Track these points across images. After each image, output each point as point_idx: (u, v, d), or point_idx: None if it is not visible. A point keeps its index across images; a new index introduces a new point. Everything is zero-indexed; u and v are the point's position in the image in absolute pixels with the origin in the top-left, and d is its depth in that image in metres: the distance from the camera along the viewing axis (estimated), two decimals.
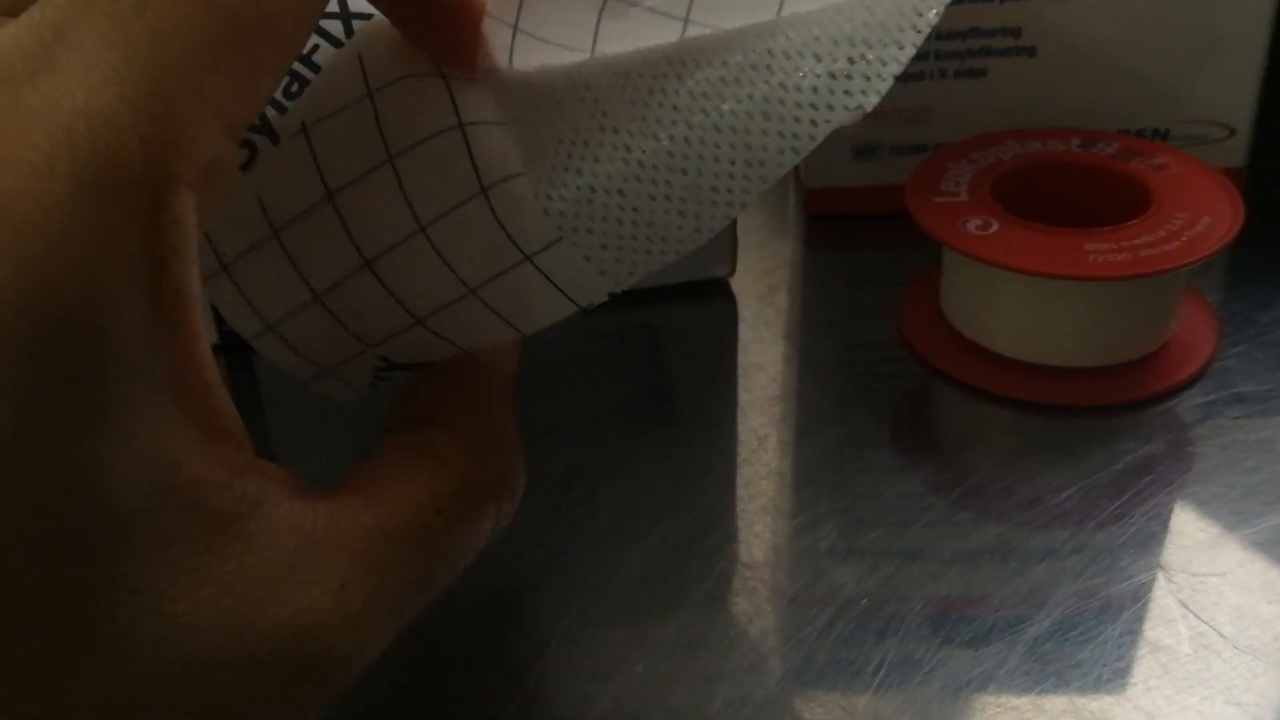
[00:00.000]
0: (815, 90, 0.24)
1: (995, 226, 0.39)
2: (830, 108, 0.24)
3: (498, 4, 0.26)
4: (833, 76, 0.24)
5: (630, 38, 0.26)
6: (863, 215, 0.48)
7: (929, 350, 0.41)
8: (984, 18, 0.45)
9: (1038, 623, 0.31)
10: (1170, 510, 0.34)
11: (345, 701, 0.23)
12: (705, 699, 0.29)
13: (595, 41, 0.26)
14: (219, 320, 0.42)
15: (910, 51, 0.24)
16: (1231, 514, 0.34)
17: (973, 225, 0.39)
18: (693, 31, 0.25)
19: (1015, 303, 0.39)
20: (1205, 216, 0.38)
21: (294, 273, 0.27)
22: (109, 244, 0.18)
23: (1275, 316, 0.42)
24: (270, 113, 0.27)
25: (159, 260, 0.19)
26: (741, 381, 0.41)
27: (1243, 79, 0.46)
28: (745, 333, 0.43)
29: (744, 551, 0.34)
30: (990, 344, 0.40)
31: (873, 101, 0.24)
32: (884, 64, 0.24)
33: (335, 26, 0.27)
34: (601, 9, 0.25)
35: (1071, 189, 0.42)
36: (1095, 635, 0.30)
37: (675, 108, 0.25)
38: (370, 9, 0.27)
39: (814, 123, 0.24)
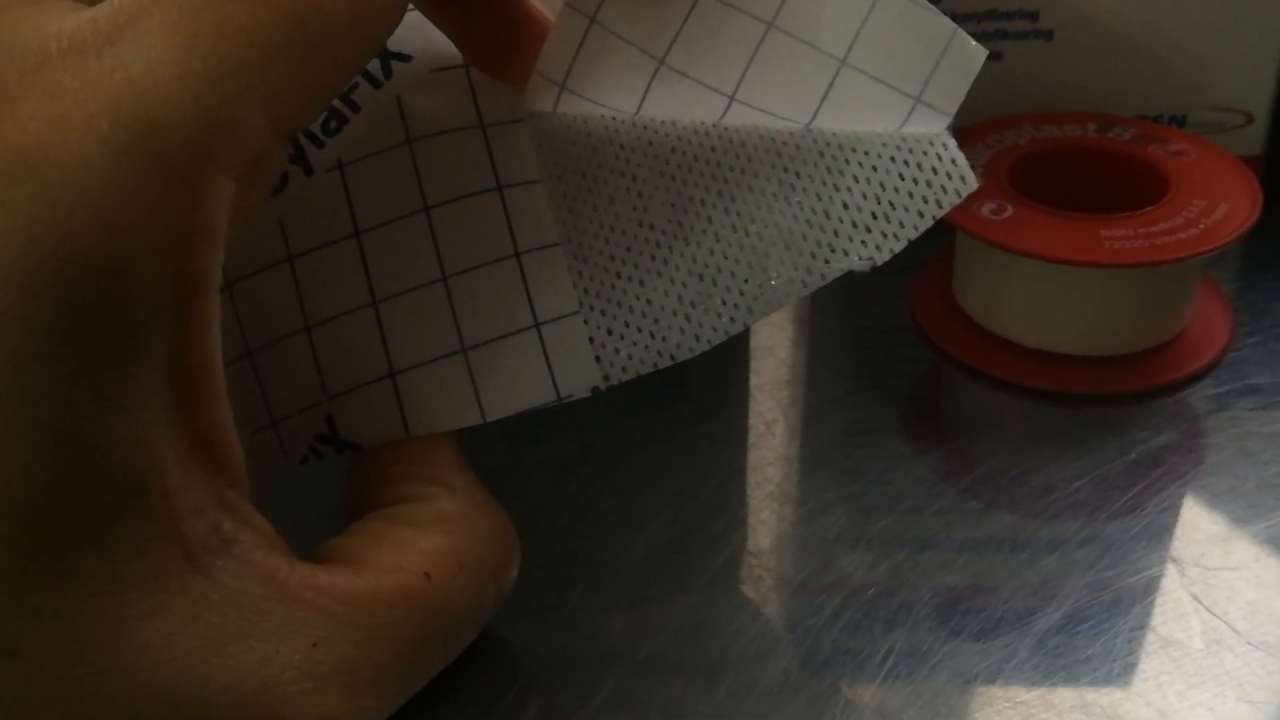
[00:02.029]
0: (836, 234, 0.25)
1: (1010, 211, 0.38)
2: (845, 254, 0.25)
3: (547, 62, 0.26)
4: (855, 225, 0.25)
5: (676, 107, 0.26)
6: None
7: (941, 336, 0.41)
8: (1001, 0, 0.44)
9: (1047, 615, 0.30)
10: (1183, 502, 0.34)
11: None
12: (709, 687, 0.29)
13: (641, 106, 0.26)
14: None
15: (929, 223, 0.25)
16: (1245, 507, 0.33)
17: (987, 209, 0.38)
18: (736, 110, 0.26)
19: (1028, 288, 0.39)
20: (1223, 204, 0.38)
21: (296, 299, 0.27)
22: (134, 208, 0.19)
23: None
24: (307, 145, 0.27)
25: (183, 237, 0.19)
26: (751, 365, 0.41)
27: (1261, 65, 0.45)
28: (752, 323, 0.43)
29: (751, 538, 0.34)
30: (1003, 330, 0.40)
31: (884, 258, 0.25)
32: (903, 226, 0.26)
33: (374, 65, 0.27)
34: (652, 76, 0.26)
35: (1088, 174, 0.42)
36: (1106, 629, 0.30)
37: (709, 219, 0.26)
38: (407, 50, 0.27)
39: (828, 262, 0.25)
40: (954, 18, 0.44)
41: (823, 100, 0.25)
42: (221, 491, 0.21)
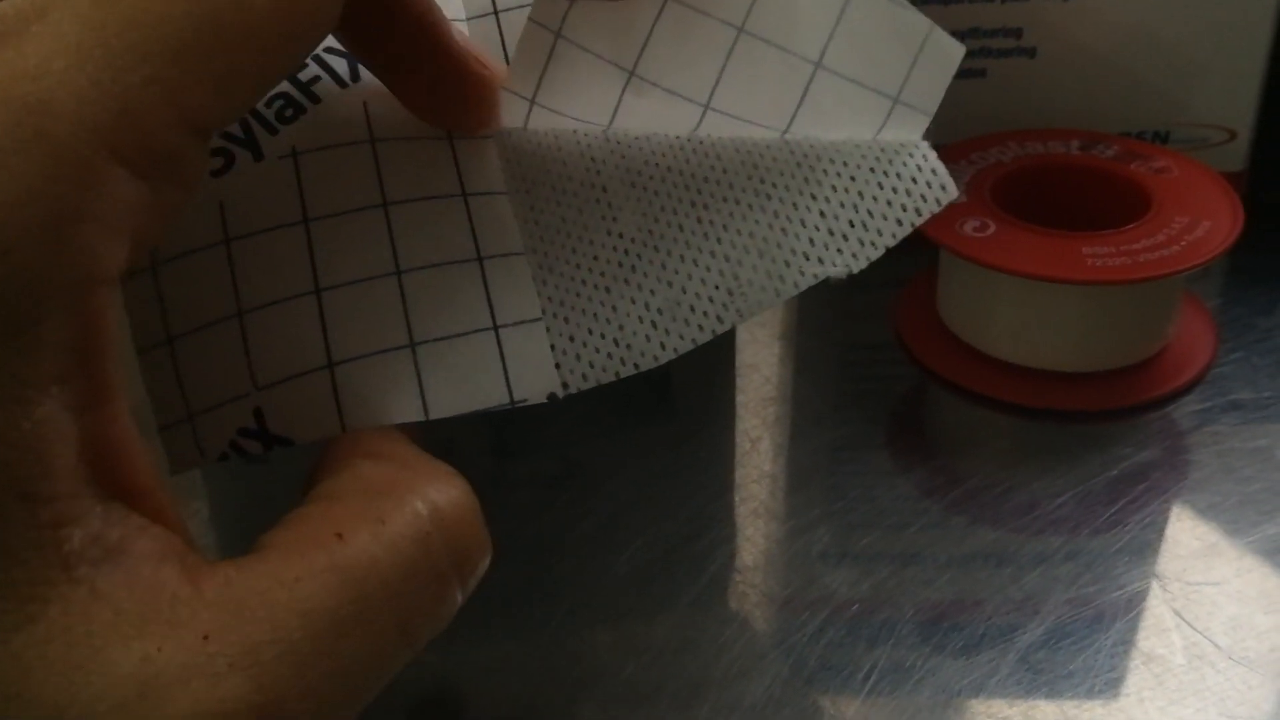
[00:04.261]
0: (812, 243, 0.25)
1: (993, 228, 0.38)
2: (821, 261, 0.25)
3: (515, 79, 0.25)
4: (831, 234, 0.25)
5: (650, 118, 0.26)
6: None
7: (925, 353, 0.41)
8: (985, 18, 0.45)
9: (1030, 630, 0.30)
10: (1165, 518, 0.34)
11: None
12: (693, 704, 0.29)
13: (614, 118, 0.26)
14: None
15: (908, 230, 0.24)
16: (1227, 522, 0.33)
17: (970, 227, 0.38)
18: (711, 119, 0.25)
19: (1012, 306, 0.39)
20: (1205, 221, 0.38)
21: (229, 284, 0.26)
22: (19, 189, 0.18)
23: (1274, 323, 0.42)
24: (258, 130, 0.26)
25: (70, 220, 0.19)
26: (736, 382, 0.41)
27: (1244, 82, 0.45)
28: (740, 332, 0.43)
29: (735, 555, 0.34)
30: (987, 347, 0.40)
31: (861, 266, 0.24)
32: (881, 235, 0.25)
33: (340, 65, 0.26)
34: (624, 87, 0.25)
35: (1071, 191, 0.42)
36: (1088, 644, 0.30)
37: (680, 227, 0.25)
38: None
39: (802, 272, 0.25)
40: None
41: (799, 105, 0.25)
42: (108, 500, 0.19)
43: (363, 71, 0.26)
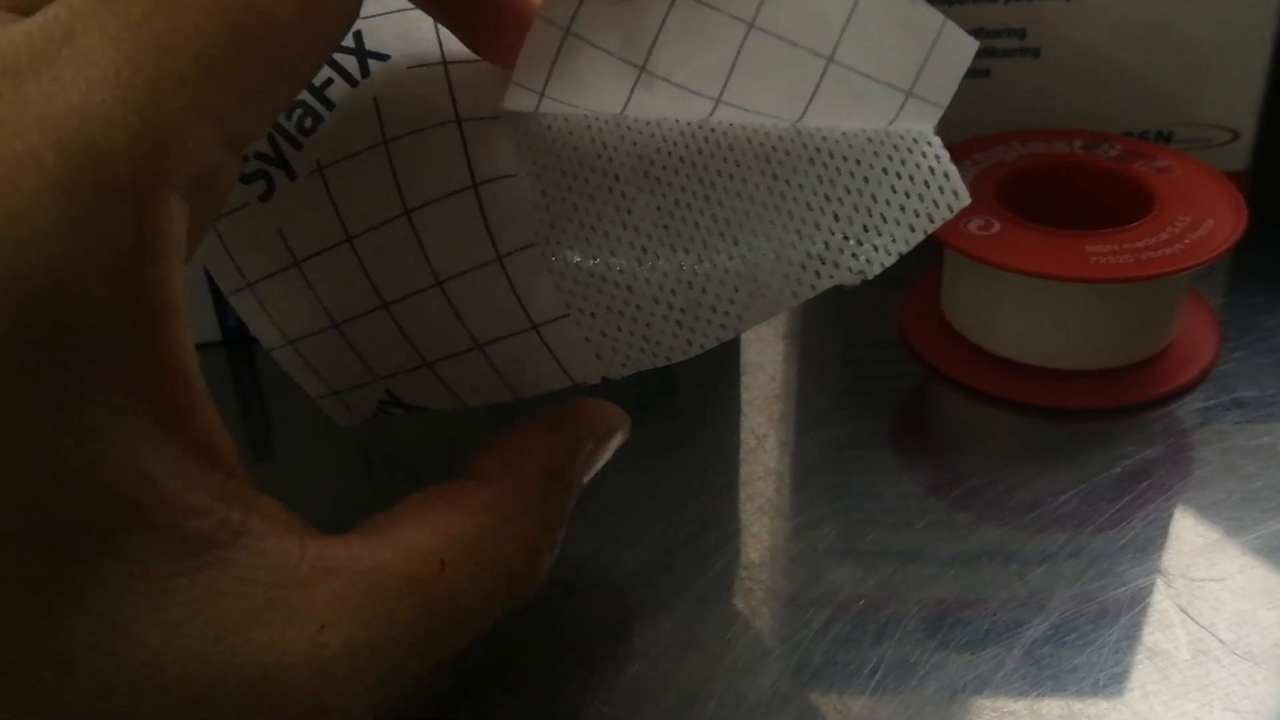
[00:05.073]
0: (827, 246, 0.25)
1: (997, 227, 0.38)
2: (836, 266, 0.25)
3: (523, 74, 0.26)
4: (845, 239, 0.25)
5: (661, 111, 0.26)
6: None
7: (929, 351, 0.41)
8: (988, 18, 0.45)
9: (1035, 626, 0.30)
10: (1169, 515, 0.34)
11: None
12: (700, 700, 0.29)
13: (625, 111, 0.26)
14: (221, 316, 0.42)
15: (920, 237, 0.25)
16: (1231, 519, 0.34)
17: (974, 225, 0.38)
18: (722, 113, 0.25)
19: (1016, 304, 0.39)
20: (1208, 219, 0.38)
21: (315, 301, 0.28)
22: (86, 239, 0.18)
23: (1277, 322, 0.42)
24: (285, 147, 0.27)
25: (138, 262, 0.19)
26: (741, 380, 0.41)
27: (1247, 82, 0.46)
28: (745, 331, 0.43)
29: (741, 552, 0.34)
30: (990, 345, 0.40)
31: (875, 272, 0.25)
32: (894, 240, 0.25)
33: (350, 63, 0.27)
34: (634, 83, 0.25)
35: (1074, 191, 0.42)
36: (1093, 640, 0.30)
37: (697, 225, 0.26)
38: (385, 49, 0.27)
39: (819, 274, 0.25)
40: None
41: (811, 99, 0.25)
42: (223, 486, 0.20)
43: (372, 66, 0.27)
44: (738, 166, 0.26)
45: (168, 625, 0.19)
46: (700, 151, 0.26)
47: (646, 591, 0.32)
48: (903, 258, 0.25)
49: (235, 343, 0.43)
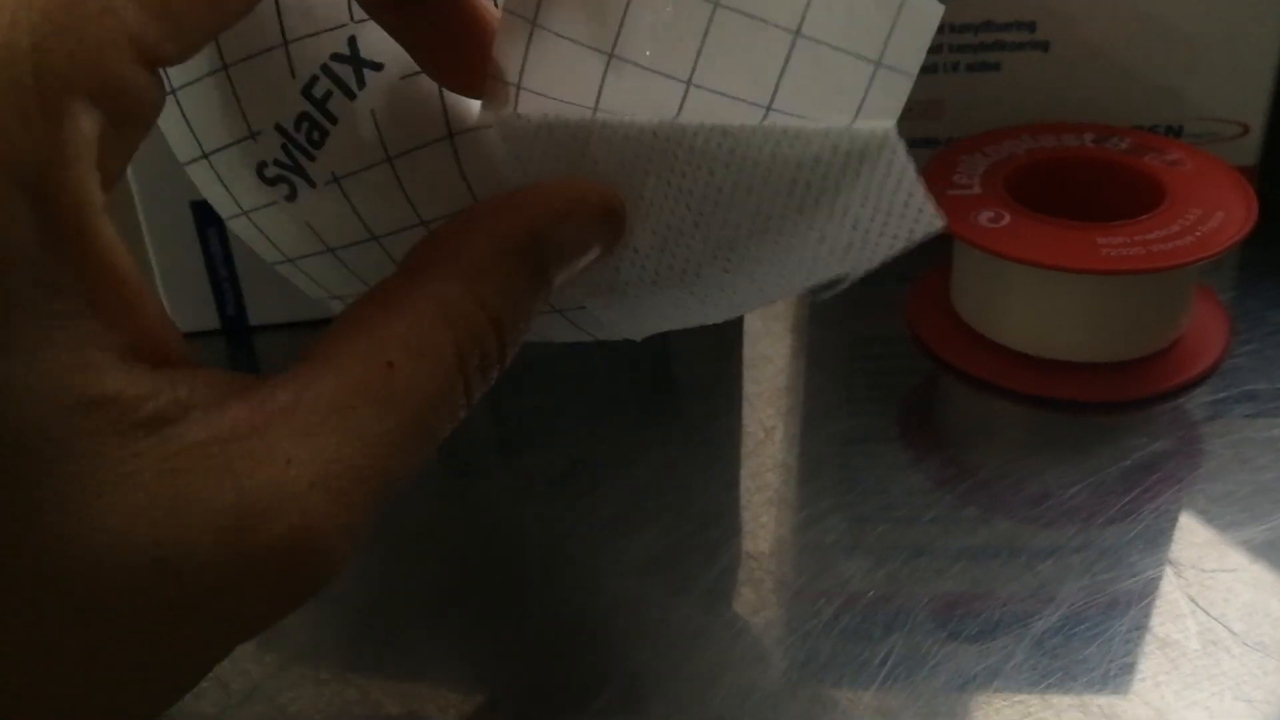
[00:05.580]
0: (815, 257, 0.26)
1: (1007, 219, 0.38)
2: (817, 272, 0.26)
3: (497, 68, 0.26)
4: (831, 251, 0.25)
5: (633, 98, 0.26)
6: None
7: (938, 344, 0.41)
8: (998, 11, 0.45)
9: (1045, 618, 0.30)
10: (1179, 507, 0.34)
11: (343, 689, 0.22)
12: (709, 691, 0.29)
13: (599, 97, 0.26)
14: (220, 304, 0.42)
15: (902, 246, 0.25)
16: (1241, 511, 0.33)
17: (984, 218, 0.38)
18: (694, 97, 0.26)
19: (1025, 296, 0.39)
20: (1218, 212, 0.38)
21: (347, 272, 0.29)
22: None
23: None
24: (300, 157, 0.27)
25: (48, 164, 0.19)
26: (749, 373, 0.41)
27: (1257, 76, 0.46)
28: (753, 324, 0.43)
29: (749, 544, 0.34)
30: (1000, 338, 0.40)
31: (858, 276, 0.25)
32: (877, 247, 0.25)
33: (347, 72, 0.27)
34: (605, 69, 0.26)
35: (1084, 184, 0.42)
36: (1103, 631, 0.30)
37: (689, 248, 0.27)
38: (380, 58, 0.27)
39: (811, 272, 0.26)
40: (950, 28, 0.45)
41: (780, 76, 0.25)
42: (169, 372, 0.20)
43: (368, 77, 0.27)
44: (719, 191, 0.26)
45: (136, 508, 0.19)
46: (684, 175, 0.26)
47: (655, 583, 0.32)
48: (910, 252, 0.26)
49: (233, 331, 0.43)
